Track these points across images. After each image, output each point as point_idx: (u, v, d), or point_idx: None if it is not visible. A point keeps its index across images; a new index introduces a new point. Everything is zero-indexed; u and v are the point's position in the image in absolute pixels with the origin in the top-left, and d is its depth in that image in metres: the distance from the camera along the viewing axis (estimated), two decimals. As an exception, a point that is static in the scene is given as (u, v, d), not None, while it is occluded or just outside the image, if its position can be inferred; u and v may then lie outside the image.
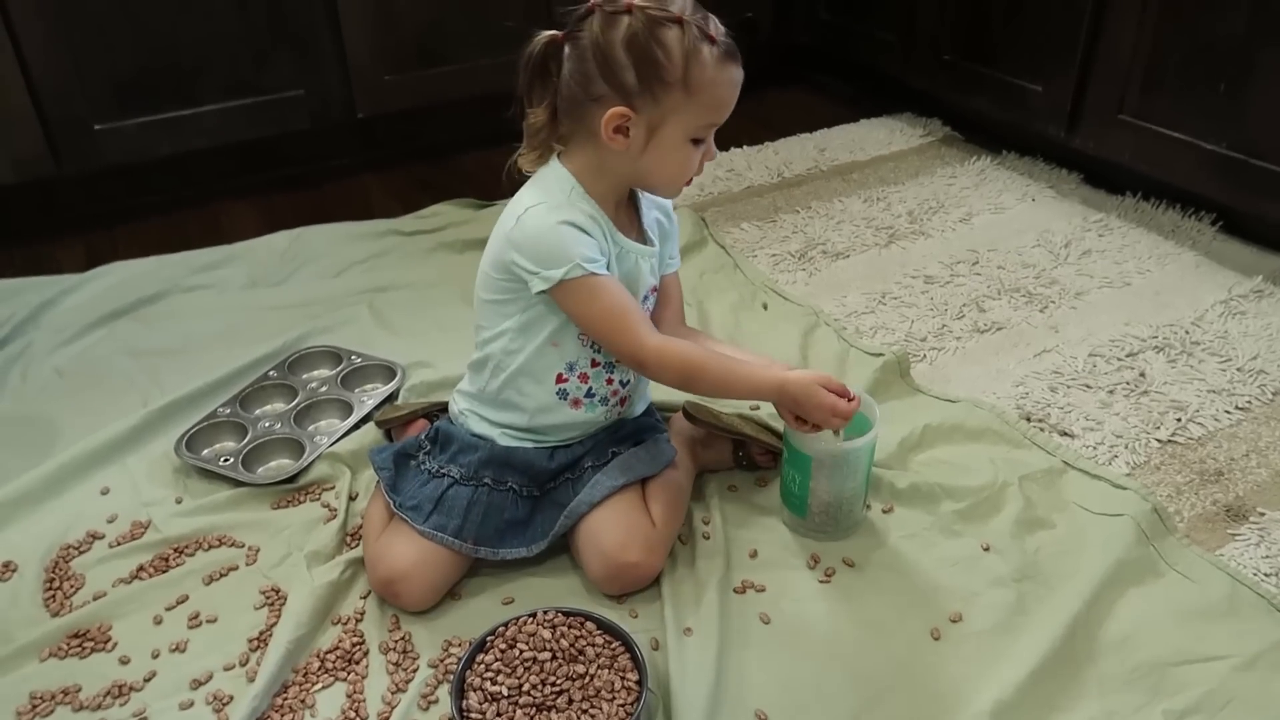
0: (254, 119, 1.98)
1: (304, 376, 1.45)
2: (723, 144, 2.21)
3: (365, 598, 1.10)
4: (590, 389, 1.11)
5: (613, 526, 1.08)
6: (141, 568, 1.15)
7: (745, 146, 2.21)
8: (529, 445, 1.13)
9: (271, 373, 1.45)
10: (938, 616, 1.06)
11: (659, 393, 1.34)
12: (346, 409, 1.38)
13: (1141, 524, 1.14)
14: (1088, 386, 1.41)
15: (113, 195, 2.02)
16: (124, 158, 1.90)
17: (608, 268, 1.04)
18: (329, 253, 1.81)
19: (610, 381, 1.12)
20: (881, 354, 1.45)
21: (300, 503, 1.25)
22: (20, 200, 1.92)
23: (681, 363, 1.03)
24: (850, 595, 1.09)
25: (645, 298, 1.11)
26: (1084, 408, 1.37)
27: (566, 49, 1.00)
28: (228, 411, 1.37)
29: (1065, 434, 1.32)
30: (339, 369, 1.45)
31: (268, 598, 1.11)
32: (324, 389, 1.41)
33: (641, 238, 1.11)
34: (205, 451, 1.31)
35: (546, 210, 1.01)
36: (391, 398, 1.41)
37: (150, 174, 2.03)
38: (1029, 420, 1.34)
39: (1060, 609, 1.04)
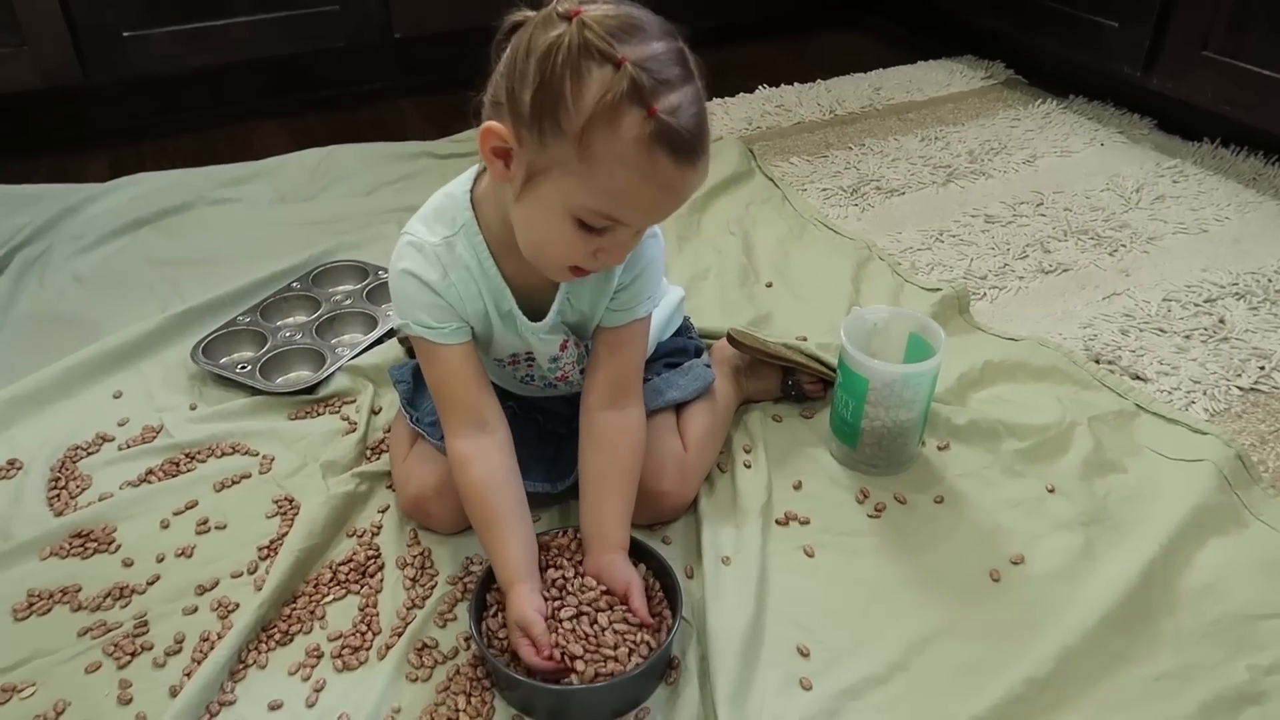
0: (287, 33, 1.91)
1: (328, 289, 1.38)
2: (772, 80, 2.16)
3: (383, 512, 1.04)
4: (545, 382, 1.01)
5: (645, 454, 1.00)
6: (150, 471, 1.09)
7: (795, 84, 2.11)
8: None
9: (295, 284, 1.39)
10: (997, 558, 0.98)
11: (702, 319, 1.26)
12: (371, 323, 1.31)
13: (1224, 470, 1.05)
14: (1161, 331, 1.31)
15: (142, 109, 1.96)
16: (153, 68, 1.84)
17: (482, 326, 0.90)
18: (360, 172, 1.75)
19: (561, 383, 1.00)
20: (939, 289, 1.36)
21: (319, 414, 1.18)
22: (47, 108, 1.87)
23: (468, 482, 0.88)
24: (902, 532, 1.01)
25: (555, 357, 0.95)
26: (1158, 352, 1.27)
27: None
28: (247, 320, 1.31)
29: (1138, 377, 1.23)
30: (364, 283, 1.39)
31: (280, 507, 1.04)
32: (348, 302, 1.35)
33: (544, 286, 0.89)
34: (223, 360, 1.25)
35: (410, 246, 0.87)
36: (418, 314, 1.34)
37: (181, 89, 1.97)
38: (1098, 362, 1.25)
39: (1133, 555, 0.95)
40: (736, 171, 1.71)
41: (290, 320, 1.32)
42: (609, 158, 0.71)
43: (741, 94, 2.07)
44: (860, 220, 1.61)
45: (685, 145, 0.72)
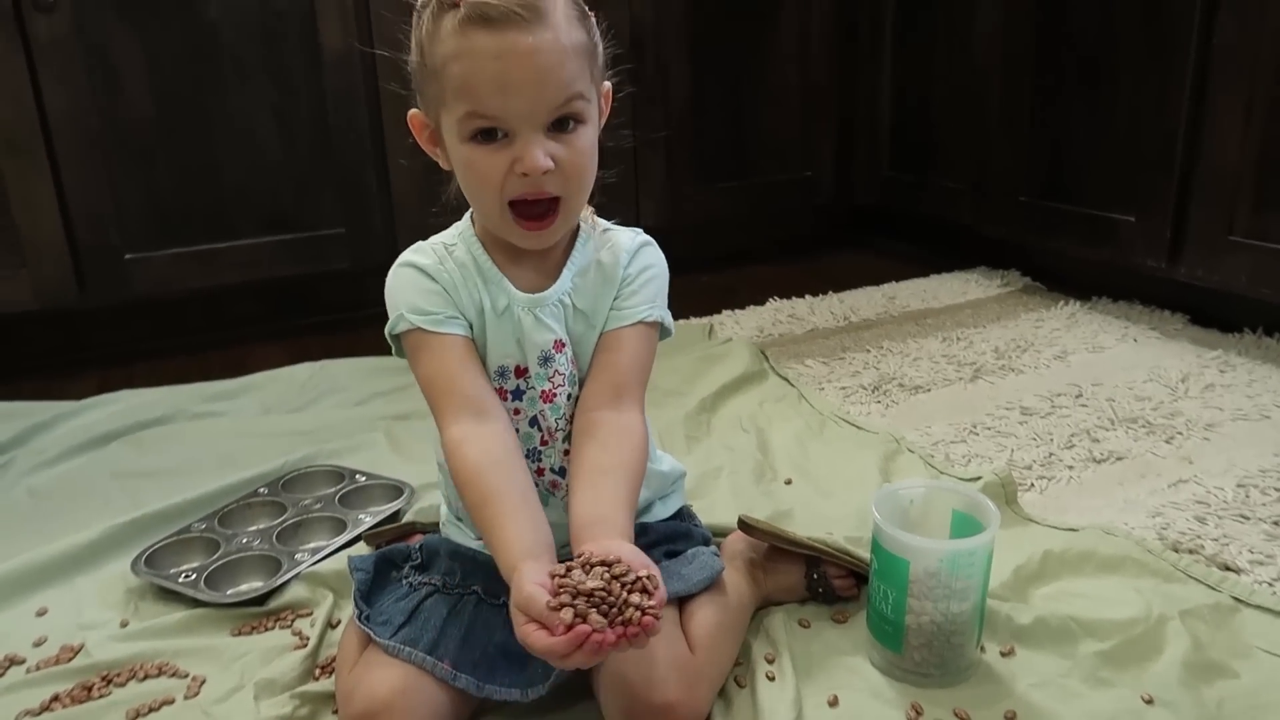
0: (292, 255, 1.91)
1: (298, 495, 1.25)
2: (782, 292, 2.11)
3: (325, 742, 0.85)
4: (531, 445, 0.90)
5: (640, 658, 0.81)
6: (56, 697, 0.91)
7: (808, 296, 2.07)
8: None
9: (262, 490, 1.26)
10: (1096, 788, 0.77)
11: (713, 517, 1.11)
12: (340, 528, 1.16)
13: (1363, 670, 0.85)
14: (1244, 518, 1.14)
15: (137, 333, 1.93)
16: (153, 289, 1.82)
17: (478, 325, 0.86)
18: (352, 384, 1.66)
19: (541, 473, 0.90)
20: (979, 477, 1.21)
21: (267, 629, 1.01)
22: (39, 330, 1.84)
23: (459, 465, 0.80)
24: (969, 757, 0.81)
25: (547, 358, 0.86)
26: (1246, 540, 1.09)
27: None
28: (203, 527, 1.17)
29: (1228, 568, 1.04)
30: (339, 487, 1.25)
31: (201, 738, 0.86)
32: (318, 506, 1.21)
33: (544, 282, 0.87)
34: (169, 570, 1.10)
35: (408, 250, 0.88)
36: (395, 518, 1.19)
37: (179, 311, 1.95)
38: (1177, 550, 1.07)
39: (1273, 780, 0.74)
40: (747, 372, 1.61)
41: (251, 528, 1.18)
42: (446, 62, 0.76)
43: (752, 306, 2.02)
44: (885, 416, 1.48)
45: (497, 12, 0.73)
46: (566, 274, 0.87)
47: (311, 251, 1.92)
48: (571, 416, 0.88)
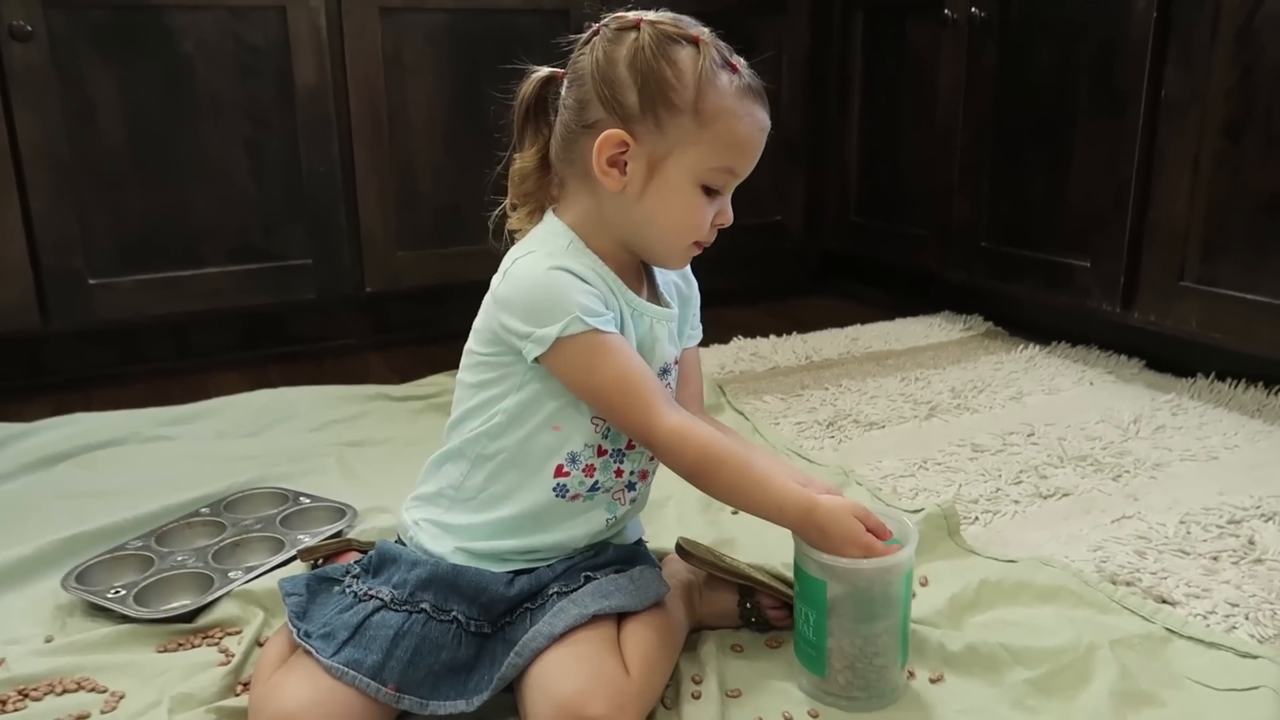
0: (258, 285, 1.91)
1: (238, 515, 1.24)
2: (748, 332, 2.13)
3: (239, 759, 0.83)
4: (595, 482, 0.90)
5: (573, 669, 0.81)
6: (-32, 710, 0.90)
7: (771, 336, 2.08)
8: (488, 567, 0.90)
9: (204, 510, 1.25)
10: (1014, 812, 0.76)
11: (656, 542, 1.11)
12: (279, 548, 1.15)
13: (1287, 698, 0.84)
14: (1184, 553, 1.14)
15: (99, 359, 1.92)
16: (117, 315, 1.82)
17: (620, 329, 0.86)
18: (309, 411, 1.66)
19: (620, 473, 0.92)
20: (922, 509, 1.21)
21: (194, 646, 1.00)
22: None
23: (700, 449, 0.84)
24: (890, 780, 0.80)
25: (665, 370, 0.93)
26: (1183, 574, 1.09)
27: (565, 81, 0.89)
28: (139, 545, 1.16)
29: (1164, 600, 1.04)
30: (282, 508, 1.25)
31: (112, 752, 0.84)
32: (259, 526, 1.20)
33: (655, 299, 0.94)
34: (100, 588, 1.08)
35: (537, 259, 0.85)
36: (335, 538, 1.18)
37: (142, 339, 1.95)
38: (1114, 582, 1.07)
39: (1190, 805, 0.74)
40: (706, 406, 1.61)
41: (189, 547, 1.17)
42: (723, 114, 0.83)
43: (715, 345, 2.03)
44: (837, 451, 1.48)
45: (763, 93, 0.87)
46: (663, 291, 0.95)
47: (277, 281, 1.93)
48: None
